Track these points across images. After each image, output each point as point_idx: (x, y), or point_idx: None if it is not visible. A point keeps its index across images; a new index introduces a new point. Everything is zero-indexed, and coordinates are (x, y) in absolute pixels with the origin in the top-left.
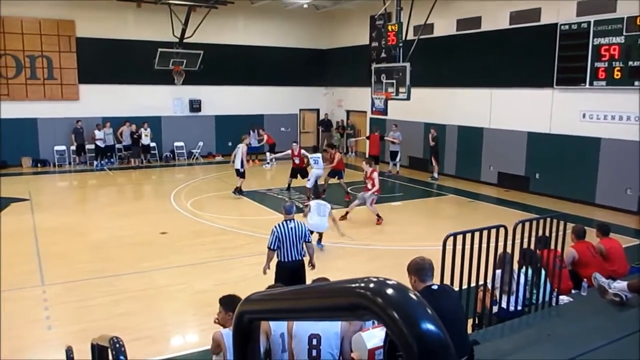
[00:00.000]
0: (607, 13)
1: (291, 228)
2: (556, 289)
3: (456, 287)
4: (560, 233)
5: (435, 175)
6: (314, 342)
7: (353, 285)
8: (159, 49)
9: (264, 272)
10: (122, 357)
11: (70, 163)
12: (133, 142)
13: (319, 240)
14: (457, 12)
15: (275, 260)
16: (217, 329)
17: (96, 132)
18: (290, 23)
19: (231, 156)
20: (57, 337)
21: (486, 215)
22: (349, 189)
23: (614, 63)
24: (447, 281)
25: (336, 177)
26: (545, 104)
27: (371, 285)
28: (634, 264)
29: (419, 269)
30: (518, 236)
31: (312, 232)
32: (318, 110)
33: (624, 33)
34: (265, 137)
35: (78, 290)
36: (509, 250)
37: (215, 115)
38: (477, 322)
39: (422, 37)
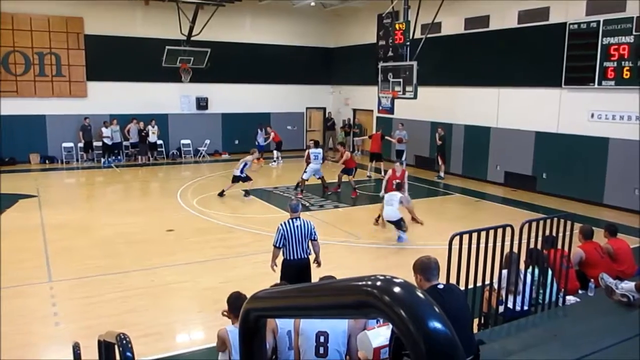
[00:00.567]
0: (616, 12)
1: (297, 226)
2: (563, 289)
3: (462, 287)
4: (567, 233)
5: (442, 174)
6: (322, 339)
7: (360, 283)
8: (167, 47)
9: (273, 270)
10: (128, 354)
11: (77, 160)
12: (140, 139)
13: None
14: (465, 10)
15: (281, 258)
16: (223, 325)
17: (103, 129)
18: (298, 21)
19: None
20: (64, 333)
21: (493, 214)
22: (357, 186)
23: (623, 63)
24: (453, 280)
25: (347, 175)
26: (553, 103)
27: (378, 283)
28: None
29: (425, 268)
30: (525, 236)
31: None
32: (325, 109)
33: (634, 32)
34: (272, 134)
35: (85, 287)
36: (515, 250)
37: (222, 113)
38: (483, 321)
39: (429, 35)
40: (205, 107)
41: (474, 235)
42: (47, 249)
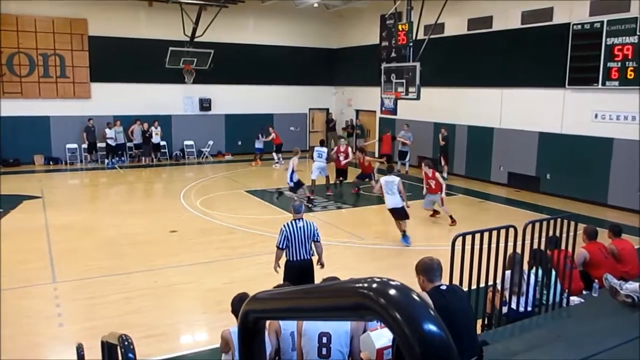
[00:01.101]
0: (620, 12)
1: (300, 227)
2: (567, 290)
3: (465, 288)
4: (571, 234)
5: (445, 175)
6: (324, 340)
7: (356, 285)
8: (170, 48)
9: (276, 271)
10: (130, 355)
11: (81, 161)
12: (144, 140)
13: (403, 236)
14: (469, 11)
15: (284, 259)
16: (227, 327)
17: (107, 130)
18: (301, 22)
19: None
20: (68, 334)
21: (496, 215)
22: (361, 186)
23: (627, 63)
24: (456, 281)
25: (366, 180)
26: (557, 104)
27: (374, 285)
28: None
29: (428, 269)
30: (528, 237)
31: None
32: (327, 110)
33: (638, 33)
34: (273, 135)
35: (89, 288)
36: (519, 250)
37: (225, 114)
38: (486, 322)
39: (432, 36)
40: (209, 108)
41: (477, 236)
42: (51, 250)
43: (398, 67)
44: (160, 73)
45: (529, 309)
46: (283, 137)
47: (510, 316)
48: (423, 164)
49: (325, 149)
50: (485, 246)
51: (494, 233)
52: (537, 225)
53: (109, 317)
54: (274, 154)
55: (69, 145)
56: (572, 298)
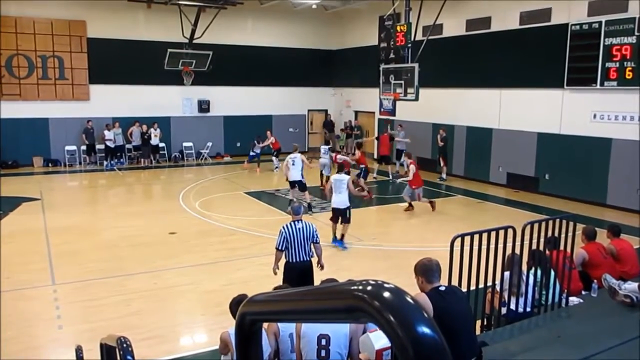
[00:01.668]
0: (618, 13)
1: (299, 229)
2: (566, 290)
3: (464, 288)
4: (570, 234)
5: (444, 175)
6: (323, 342)
7: (350, 287)
8: (169, 50)
9: (274, 273)
10: (129, 357)
11: (80, 163)
12: (143, 142)
13: (340, 239)
14: (467, 12)
15: (283, 260)
16: (226, 328)
17: (106, 132)
18: (299, 24)
19: (282, 169)
20: (67, 336)
21: (495, 216)
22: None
23: (625, 63)
24: (455, 282)
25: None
26: (555, 104)
27: (368, 288)
28: None
29: (426, 270)
30: (527, 237)
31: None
32: (326, 111)
33: (636, 33)
34: (272, 139)
35: (88, 290)
36: (518, 251)
37: (223, 115)
38: (485, 323)
39: (431, 37)
40: (207, 110)
41: (476, 236)
42: (50, 251)
43: (397, 68)
44: (159, 75)
45: (528, 309)
46: (282, 138)
47: (510, 317)
48: (403, 154)
49: (328, 147)
50: (484, 247)
51: (493, 234)
52: (536, 225)
53: (108, 319)
54: (273, 158)
55: (68, 147)
56: (571, 298)
